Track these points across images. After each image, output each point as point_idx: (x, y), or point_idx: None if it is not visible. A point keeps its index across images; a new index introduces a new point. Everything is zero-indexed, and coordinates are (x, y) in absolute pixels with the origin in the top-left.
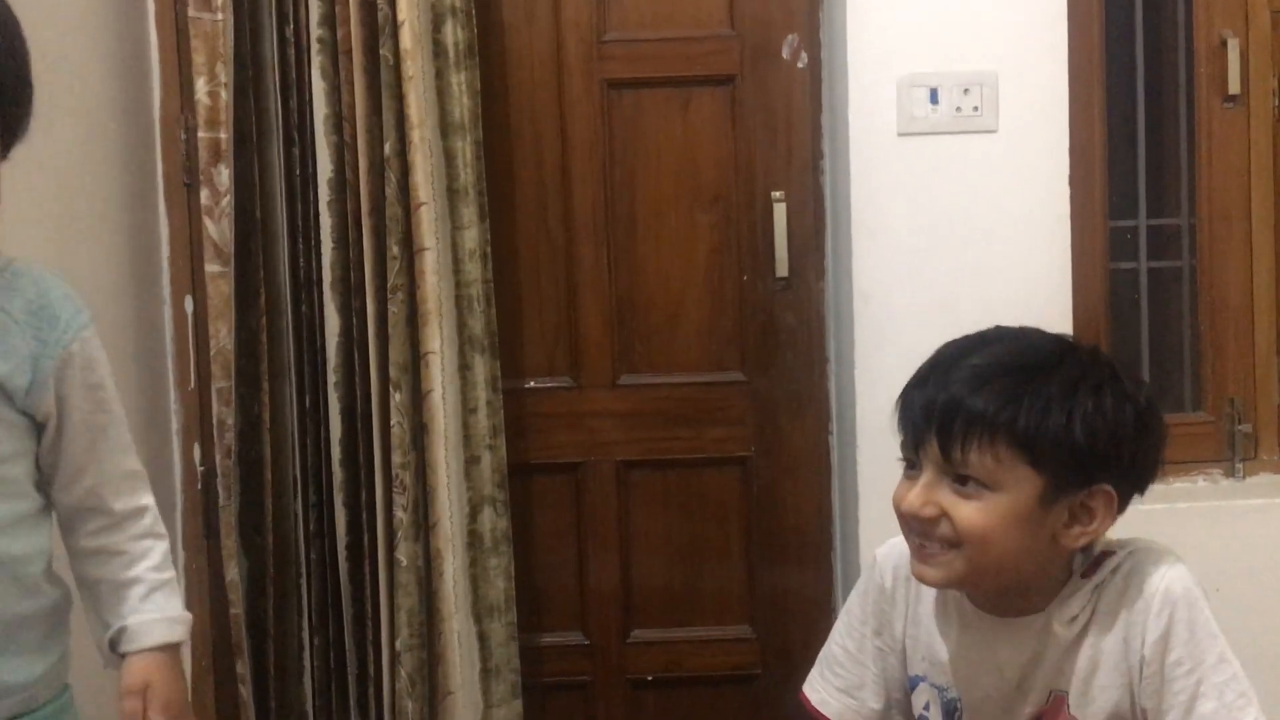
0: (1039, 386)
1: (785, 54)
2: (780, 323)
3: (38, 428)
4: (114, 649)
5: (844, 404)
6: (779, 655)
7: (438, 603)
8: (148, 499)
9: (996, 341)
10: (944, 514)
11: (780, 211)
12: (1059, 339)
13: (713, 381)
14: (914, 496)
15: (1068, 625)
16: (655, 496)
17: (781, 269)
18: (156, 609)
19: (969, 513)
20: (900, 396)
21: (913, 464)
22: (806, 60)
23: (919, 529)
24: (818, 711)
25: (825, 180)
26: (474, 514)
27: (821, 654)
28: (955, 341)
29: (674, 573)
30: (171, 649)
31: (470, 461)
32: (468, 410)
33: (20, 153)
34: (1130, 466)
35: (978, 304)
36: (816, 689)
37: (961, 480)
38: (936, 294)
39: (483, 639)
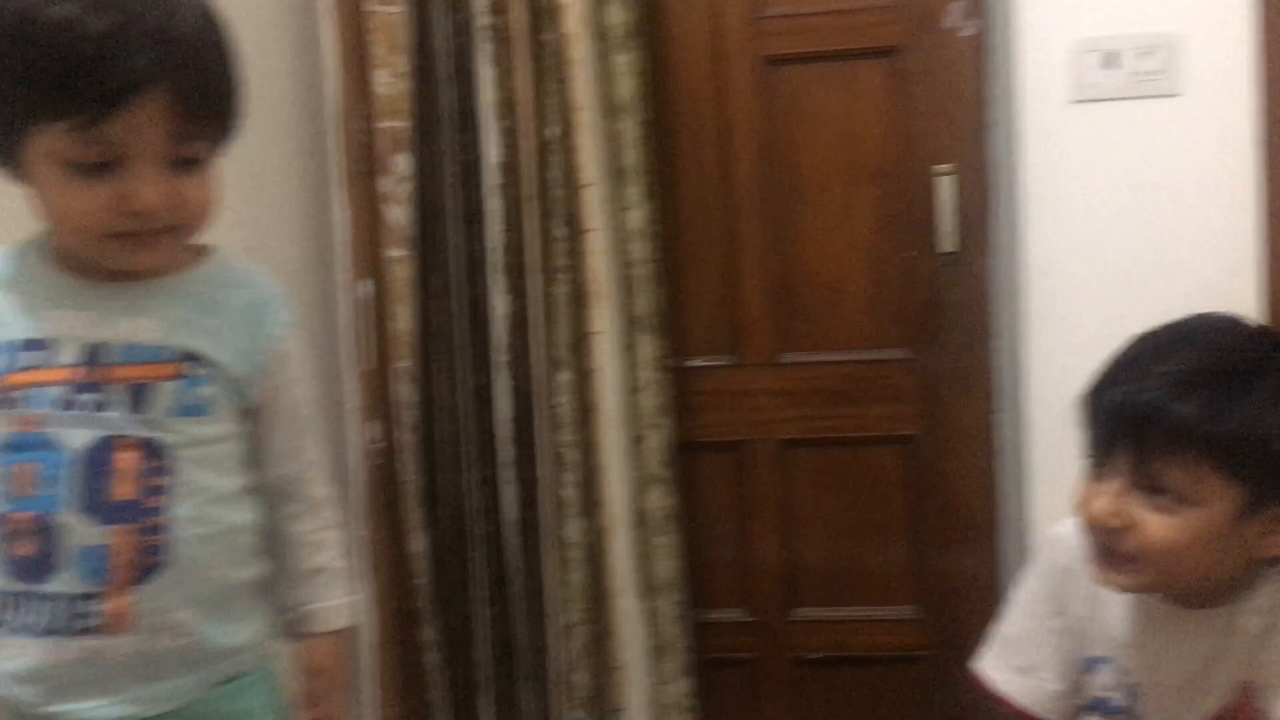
0: (1245, 395)
1: (950, 23)
2: (946, 298)
3: (246, 415)
4: (293, 629)
5: (1012, 381)
6: (946, 637)
7: (606, 579)
8: (328, 489)
9: (1196, 340)
10: (1132, 526)
11: (946, 185)
12: (1261, 335)
13: (875, 359)
14: (1102, 505)
15: (1255, 617)
16: (817, 475)
17: (947, 243)
18: (337, 596)
19: (1162, 530)
20: (1089, 393)
21: (1099, 464)
22: (973, 28)
23: (1103, 538)
24: (995, 690)
25: (993, 151)
26: (641, 492)
27: (996, 633)
28: (1149, 336)
29: (837, 552)
30: (345, 633)
31: (636, 440)
32: (633, 389)
33: None
34: None
35: (1158, 278)
36: (993, 667)
37: (1154, 490)
38: (1114, 268)
39: (651, 616)
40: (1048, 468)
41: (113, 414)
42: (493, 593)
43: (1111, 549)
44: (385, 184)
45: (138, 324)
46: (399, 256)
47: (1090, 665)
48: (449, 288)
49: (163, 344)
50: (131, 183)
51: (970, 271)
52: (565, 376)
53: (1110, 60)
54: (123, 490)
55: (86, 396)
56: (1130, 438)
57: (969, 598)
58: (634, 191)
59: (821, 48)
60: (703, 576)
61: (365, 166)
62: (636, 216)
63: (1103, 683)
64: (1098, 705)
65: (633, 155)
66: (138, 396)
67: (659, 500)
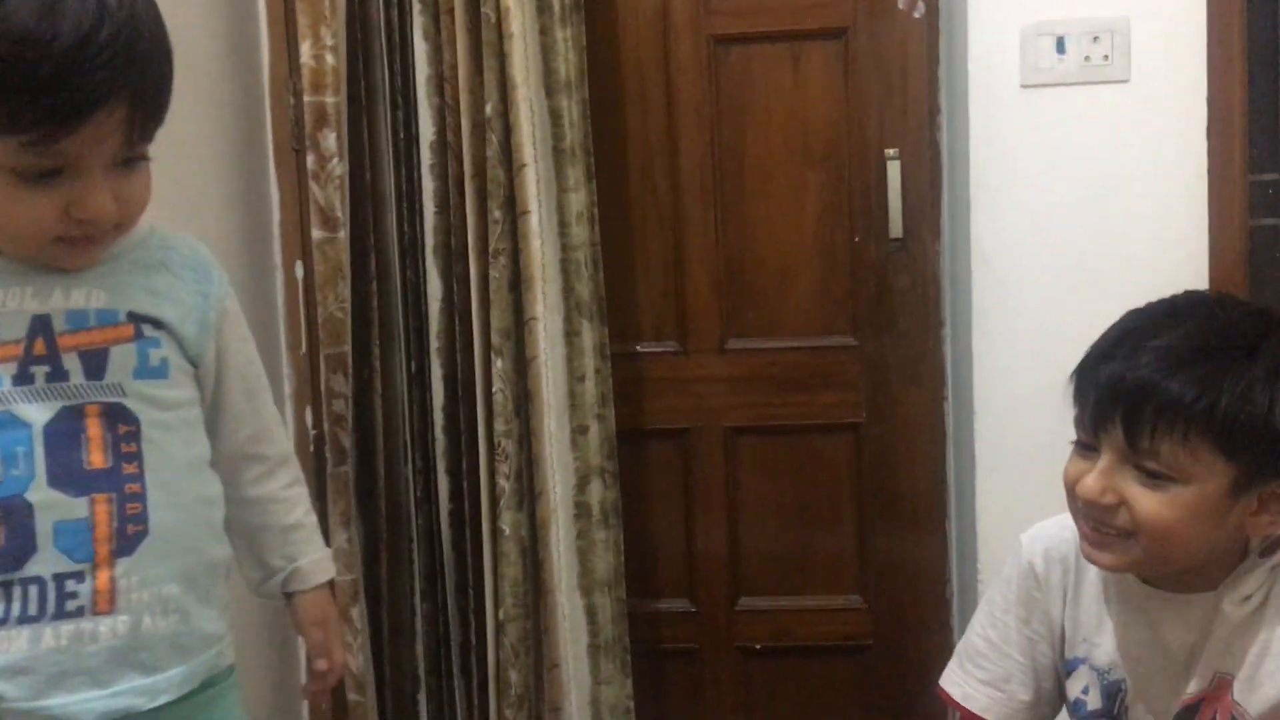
0: (1239, 371)
1: (901, 4)
2: (894, 285)
3: (200, 381)
4: (282, 587)
5: (960, 370)
6: (891, 626)
7: (543, 574)
8: (289, 446)
9: (1190, 316)
10: (1123, 502)
11: (894, 170)
12: (1258, 314)
13: (823, 346)
14: (1092, 482)
15: (1240, 605)
16: (764, 463)
17: (895, 229)
18: (319, 549)
19: (1153, 505)
20: (1079, 370)
21: (1087, 445)
22: (923, 9)
23: (1094, 514)
24: (961, 706)
25: (942, 136)
26: (582, 485)
27: (960, 646)
28: (1142, 311)
29: (783, 540)
30: (330, 584)
31: (577, 431)
32: (575, 378)
33: None
34: None
35: (1107, 264)
36: (957, 683)
37: (1145, 468)
38: (1062, 255)
39: (590, 613)
40: (995, 456)
41: (71, 383)
42: (429, 585)
43: (1100, 525)
44: (314, 162)
45: (82, 292)
46: (329, 238)
47: (1069, 667)
48: (386, 271)
49: (111, 308)
50: (81, 190)
51: (918, 258)
52: (501, 364)
53: (1060, 45)
54: (95, 459)
55: (40, 369)
56: (1121, 414)
57: (916, 587)
58: (576, 172)
59: (770, 28)
60: (649, 566)
61: (297, 144)
62: (579, 199)
63: (1081, 685)
64: (1075, 708)
65: (575, 134)
66: (93, 363)
67: (601, 493)
